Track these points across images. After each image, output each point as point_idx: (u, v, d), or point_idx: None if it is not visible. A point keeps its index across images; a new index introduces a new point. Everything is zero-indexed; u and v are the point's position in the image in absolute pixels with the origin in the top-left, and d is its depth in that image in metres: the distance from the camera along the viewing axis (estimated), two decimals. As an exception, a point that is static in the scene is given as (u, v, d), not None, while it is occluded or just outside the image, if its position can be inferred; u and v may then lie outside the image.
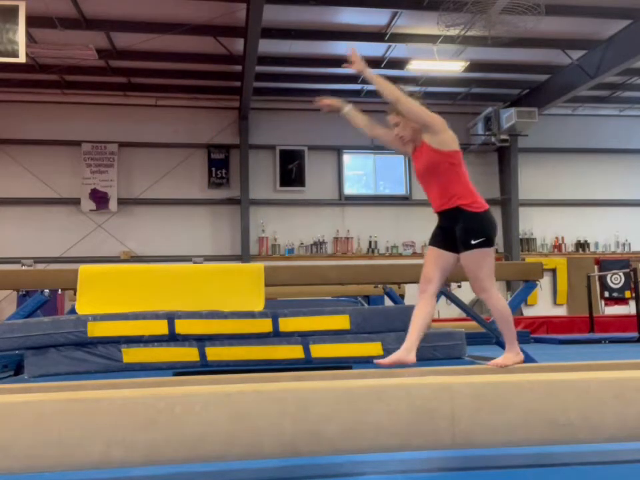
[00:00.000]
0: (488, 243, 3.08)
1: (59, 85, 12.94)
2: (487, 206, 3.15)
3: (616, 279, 15.03)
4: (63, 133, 13.41)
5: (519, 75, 13.15)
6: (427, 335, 4.26)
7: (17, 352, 4.47)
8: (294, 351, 4.18)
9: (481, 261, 3.08)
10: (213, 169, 14.00)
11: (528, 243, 15.02)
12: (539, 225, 15.06)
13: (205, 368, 4.11)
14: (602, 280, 14.91)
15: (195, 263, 12.01)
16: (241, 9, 9.77)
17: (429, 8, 9.85)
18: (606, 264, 14.88)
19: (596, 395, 2.09)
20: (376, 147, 14.24)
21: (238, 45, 11.22)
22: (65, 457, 1.86)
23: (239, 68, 11.96)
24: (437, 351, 4.30)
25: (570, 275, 14.91)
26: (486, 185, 14.95)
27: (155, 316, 4.14)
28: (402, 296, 8.54)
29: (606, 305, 15.08)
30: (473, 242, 3.05)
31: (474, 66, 12.18)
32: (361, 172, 15.01)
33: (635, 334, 10.17)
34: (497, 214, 14.95)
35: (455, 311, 10.71)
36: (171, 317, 4.13)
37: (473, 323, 6.75)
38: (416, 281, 4.33)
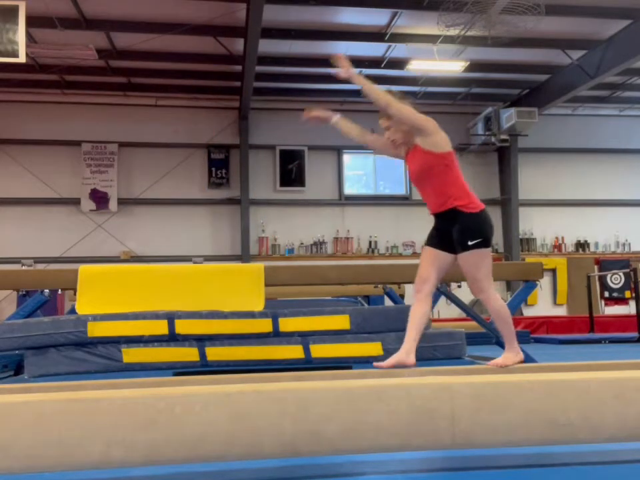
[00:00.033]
0: (485, 243, 3.08)
1: (59, 85, 12.94)
2: (483, 206, 3.14)
3: (616, 279, 15.03)
4: (63, 132, 13.41)
5: (519, 74, 13.16)
6: (427, 334, 4.27)
7: (17, 352, 4.47)
8: (294, 351, 4.18)
9: (479, 261, 3.08)
10: (213, 169, 14.00)
11: (528, 243, 15.02)
12: (538, 225, 15.06)
13: (205, 368, 4.11)
14: (602, 280, 14.91)
15: (194, 262, 12.01)
16: (241, 8, 9.77)
17: (429, 8, 9.84)
18: (606, 264, 14.88)
19: (596, 395, 2.09)
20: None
21: (238, 44, 11.22)
22: (64, 456, 1.86)
23: (239, 68, 11.96)
24: (437, 350, 4.30)
25: (570, 274, 14.92)
26: (486, 185, 14.96)
27: (155, 316, 4.14)
28: (402, 296, 8.54)
29: (606, 305, 15.08)
30: (470, 243, 3.05)
31: (474, 66, 12.18)
32: (361, 172, 15.01)
33: (635, 334, 10.17)
34: (496, 214, 14.96)
35: (455, 311, 10.71)
36: (170, 317, 4.13)
37: (473, 323, 6.75)
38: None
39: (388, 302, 8.14)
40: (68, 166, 13.48)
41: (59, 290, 5.40)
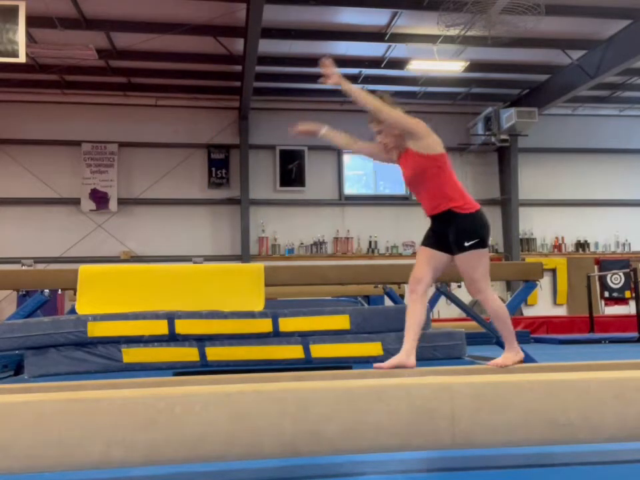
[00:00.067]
0: (482, 244, 3.08)
1: (59, 85, 12.94)
2: (478, 206, 3.14)
3: (616, 279, 15.03)
4: (63, 132, 13.41)
5: (519, 74, 13.16)
6: (427, 334, 4.28)
7: (17, 352, 4.47)
8: (294, 351, 4.18)
9: (476, 262, 3.08)
10: (213, 169, 14.00)
11: (528, 243, 15.02)
12: (538, 225, 15.06)
13: (205, 368, 4.11)
14: (602, 280, 14.91)
15: (194, 262, 12.01)
16: (241, 8, 9.77)
17: (429, 8, 9.84)
18: (606, 264, 14.89)
19: (596, 395, 2.09)
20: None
21: (238, 44, 11.22)
22: (65, 456, 1.86)
23: (239, 68, 11.96)
24: (437, 350, 4.30)
25: (570, 274, 14.91)
26: (486, 184, 14.97)
27: (155, 316, 4.14)
28: (402, 296, 8.53)
29: (606, 305, 15.08)
30: (466, 244, 3.05)
31: (474, 66, 12.18)
32: (360, 172, 15.01)
33: (635, 334, 10.17)
34: (496, 214, 14.96)
35: (455, 311, 10.72)
36: (171, 317, 4.13)
37: (473, 323, 6.75)
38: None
39: (388, 302, 8.14)
40: (68, 166, 13.48)
41: (59, 290, 5.40)
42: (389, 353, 3.89)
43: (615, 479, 2.29)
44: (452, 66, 12.12)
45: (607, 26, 10.97)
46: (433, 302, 7.54)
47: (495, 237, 14.93)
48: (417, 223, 14.25)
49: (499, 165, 15.04)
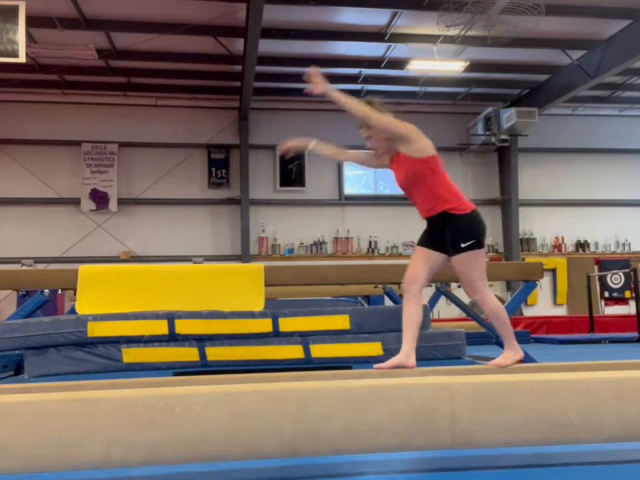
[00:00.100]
0: (478, 244, 3.09)
1: (59, 85, 12.94)
2: (473, 206, 3.14)
3: (616, 279, 15.03)
4: (63, 132, 13.41)
5: (519, 74, 13.16)
6: (427, 334, 4.28)
7: (17, 352, 4.47)
8: (294, 351, 4.18)
9: (472, 263, 3.08)
10: (213, 169, 14.01)
11: (528, 243, 15.02)
12: (538, 225, 15.07)
13: (205, 368, 4.11)
14: (602, 280, 14.91)
15: (194, 262, 12.01)
16: (241, 8, 9.77)
17: (429, 8, 9.85)
18: (606, 264, 14.89)
19: (596, 395, 2.09)
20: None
21: (238, 44, 11.22)
22: (64, 456, 1.86)
23: (239, 68, 11.96)
24: (437, 350, 4.30)
25: (570, 274, 14.92)
26: (486, 184, 14.97)
27: (155, 316, 4.14)
28: (402, 296, 8.52)
29: (606, 305, 15.08)
30: (462, 245, 3.06)
31: (474, 66, 12.18)
32: (360, 172, 15.00)
33: (635, 334, 10.17)
34: (496, 214, 14.97)
35: (455, 311, 10.72)
36: (170, 317, 4.13)
37: (473, 323, 6.75)
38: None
39: (388, 302, 8.14)
40: (68, 166, 13.49)
41: (59, 290, 5.40)
42: (389, 353, 3.89)
43: (615, 479, 2.29)
44: (452, 66, 12.12)
45: (607, 26, 10.97)
46: (433, 302, 7.54)
47: (495, 237, 14.93)
48: (417, 223, 14.19)
49: (499, 164, 15.04)
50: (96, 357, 4.05)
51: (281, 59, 12.00)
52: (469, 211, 3.11)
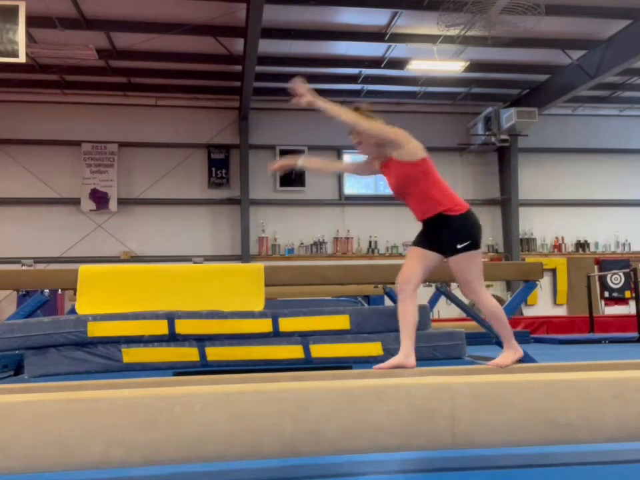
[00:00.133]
0: (474, 245, 3.09)
1: (59, 85, 12.94)
2: (468, 205, 3.14)
3: (616, 279, 15.03)
4: (63, 132, 13.41)
5: (519, 74, 13.16)
6: (427, 334, 4.28)
7: (17, 352, 4.47)
8: (294, 351, 4.18)
9: (469, 264, 3.09)
10: (213, 169, 14.01)
11: (528, 243, 15.02)
12: (539, 225, 15.07)
13: (205, 368, 4.11)
14: (602, 280, 14.91)
15: (194, 262, 12.01)
16: (241, 8, 9.77)
17: (429, 8, 9.85)
18: (606, 264, 14.89)
19: (596, 395, 2.09)
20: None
21: (238, 44, 11.22)
22: (65, 456, 1.86)
23: (239, 68, 11.96)
24: (437, 350, 4.30)
25: (570, 274, 14.92)
26: (486, 184, 14.98)
27: (155, 316, 4.14)
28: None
29: (606, 305, 15.08)
30: (459, 246, 3.06)
31: (474, 66, 12.18)
32: (361, 172, 15.00)
33: (635, 334, 10.17)
34: (496, 214, 14.97)
35: (455, 311, 10.72)
36: (170, 317, 4.13)
37: (473, 323, 6.75)
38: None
39: (388, 302, 8.14)
40: (68, 166, 13.49)
41: (59, 290, 5.40)
42: (389, 353, 3.89)
43: (615, 479, 2.29)
44: (452, 66, 12.12)
45: (607, 26, 10.97)
46: (433, 302, 7.55)
47: (495, 237, 14.94)
48: (417, 223, 14.22)
49: (499, 164, 15.04)
50: (96, 356, 4.05)
51: (281, 58, 12.00)
52: (464, 211, 3.11)
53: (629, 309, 14.09)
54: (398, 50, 11.70)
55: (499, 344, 4.92)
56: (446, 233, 3.08)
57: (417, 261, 3.17)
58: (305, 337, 4.22)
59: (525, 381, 2.12)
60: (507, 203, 14.71)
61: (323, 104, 3.06)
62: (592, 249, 15.25)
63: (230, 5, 9.94)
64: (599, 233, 15.25)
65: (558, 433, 2.06)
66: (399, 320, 3.15)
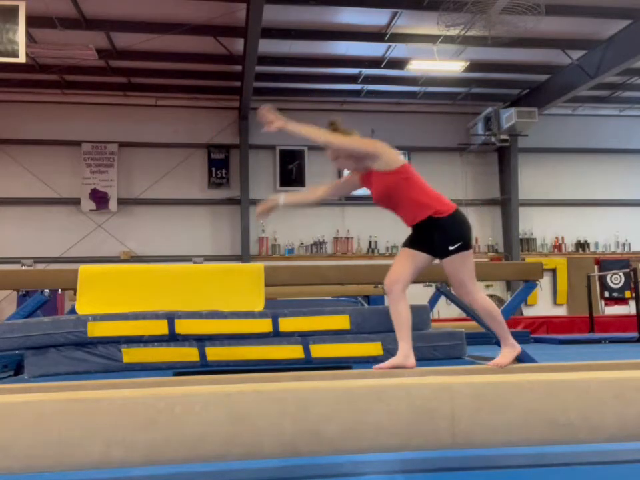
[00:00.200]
0: (465, 246, 3.09)
1: (59, 85, 12.94)
2: (455, 205, 3.14)
3: (616, 279, 15.03)
4: (63, 132, 13.41)
5: (519, 74, 13.16)
6: (427, 334, 4.28)
7: (17, 352, 4.46)
8: (294, 351, 4.18)
9: (461, 265, 3.09)
10: (213, 169, 14.01)
11: (528, 243, 15.02)
12: (539, 225, 15.07)
13: (205, 368, 4.11)
14: (602, 280, 14.91)
15: (195, 262, 12.01)
16: (241, 8, 9.77)
17: (429, 8, 9.85)
18: (606, 264, 14.89)
19: (596, 395, 2.09)
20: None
21: (238, 44, 11.23)
22: (65, 456, 1.86)
23: (239, 68, 11.96)
24: (437, 350, 4.30)
25: (570, 274, 14.92)
26: (486, 184, 14.98)
27: (155, 316, 4.14)
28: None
29: (606, 305, 15.08)
30: (451, 248, 3.06)
31: (474, 66, 12.18)
32: (361, 172, 15.00)
33: (635, 334, 10.17)
34: (496, 214, 14.97)
35: (455, 311, 10.71)
36: (170, 317, 4.13)
37: (473, 323, 6.74)
38: (416, 281, 4.32)
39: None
40: (68, 166, 13.49)
41: (59, 290, 5.40)
42: (389, 352, 3.88)
43: (615, 478, 2.29)
44: (452, 66, 12.12)
45: (607, 26, 10.97)
46: (433, 302, 7.54)
47: (495, 237, 14.94)
48: (417, 223, 14.27)
49: (499, 165, 15.04)
50: (96, 356, 4.05)
51: (281, 59, 12.00)
52: (453, 211, 3.11)
53: (629, 309, 14.09)
54: (398, 50, 11.70)
55: (499, 344, 4.92)
56: (437, 236, 3.08)
57: (406, 262, 3.17)
58: (304, 337, 4.22)
59: (525, 380, 2.12)
60: (506, 202, 14.71)
61: (294, 127, 3.11)
62: (592, 248, 15.25)
63: (230, 5, 9.94)
64: (599, 232, 15.25)
65: (558, 432, 2.06)
66: (393, 321, 3.15)
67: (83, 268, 4.58)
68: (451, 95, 14.12)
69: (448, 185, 14.21)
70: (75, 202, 13.43)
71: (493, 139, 13.75)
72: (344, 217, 14.39)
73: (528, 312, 14.19)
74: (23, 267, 12.20)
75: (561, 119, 15.01)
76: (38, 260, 12.83)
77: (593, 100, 14.52)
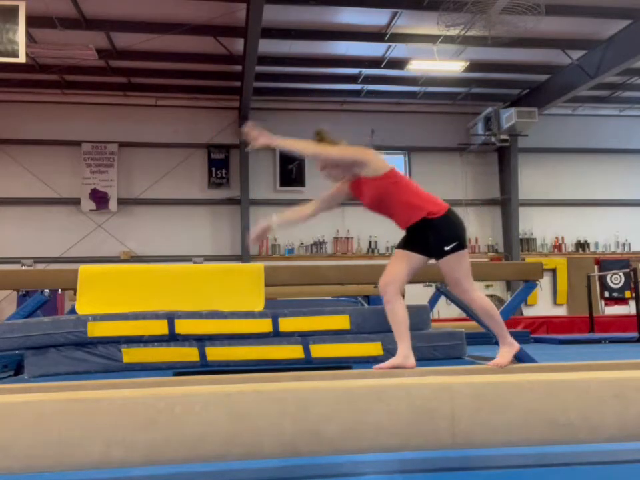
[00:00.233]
0: (461, 246, 3.09)
1: (59, 85, 12.94)
2: (447, 205, 3.13)
3: (616, 279, 15.03)
4: (63, 133, 13.42)
5: (519, 74, 13.16)
6: (427, 334, 4.28)
7: (17, 352, 4.47)
8: (294, 351, 4.18)
9: (457, 264, 3.09)
10: (213, 169, 14.01)
11: (528, 243, 15.02)
12: (539, 225, 15.07)
13: (205, 368, 4.11)
14: (602, 280, 14.91)
15: (195, 262, 12.01)
16: (241, 8, 9.77)
17: (429, 8, 9.85)
18: (606, 264, 14.89)
19: (596, 395, 2.09)
20: (376, 146, 14.24)
21: (238, 44, 11.23)
22: (65, 456, 1.86)
23: (239, 68, 11.96)
24: (437, 350, 4.30)
25: (570, 274, 14.92)
26: (486, 184, 14.98)
27: (155, 316, 4.14)
28: (402, 296, 8.52)
29: (606, 305, 15.08)
30: (446, 248, 3.06)
31: (474, 66, 12.18)
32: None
33: (635, 334, 10.17)
34: (496, 214, 14.97)
35: (455, 311, 10.71)
36: (170, 317, 4.13)
37: (473, 323, 6.74)
38: (415, 281, 4.32)
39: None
40: (68, 166, 13.49)
41: (59, 290, 5.40)
42: (389, 352, 3.88)
43: (615, 479, 2.29)
44: (452, 66, 12.12)
45: (607, 26, 10.97)
46: (433, 302, 7.54)
47: (495, 237, 14.94)
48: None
49: (499, 164, 15.04)
50: (96, 356, 4.05)
51: (281, 59, 12.00)
52: (445, 212, 3.10)
53: (629, 309, 14.09)
54: (398, 50, 11.70)
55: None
56: (432, 237, 3.08)
57: (401, 263, 3.17)
58: (304, 337, 4.22)
59: (525, 380, 2.12)
60: (506, 202, 14.71)
61: (279, 141, 3.10)
62: (592, 249, 15.25)
63: (230, 5, 9.94)
64: (599, 232, 15.25)
65: (558, 432, 2.06)
66: (390, 322, 3.15)
67: (82, 268, 4.58)
68: (450, 95, 14.12)
69: (448, 185, 14.23)
70: (75, 202, 13.43)
71: (493, 139, 13.75)
72: (344, 217, 14.37)
73: (528, 312, 14.19)
74: (23, 267, 12.21)
75: (560, 119, 15.01)
76: (38, 260, 12.84)
77: (593, 100, 14.52)
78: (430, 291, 8.21)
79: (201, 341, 4.14)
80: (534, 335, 11.30)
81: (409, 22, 10.78)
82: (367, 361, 3.96)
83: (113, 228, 13.48)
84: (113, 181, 13.52)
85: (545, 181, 15.04)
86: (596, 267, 14.93)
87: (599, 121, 15.34)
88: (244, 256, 13.55)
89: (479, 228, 14.76)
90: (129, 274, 4.63)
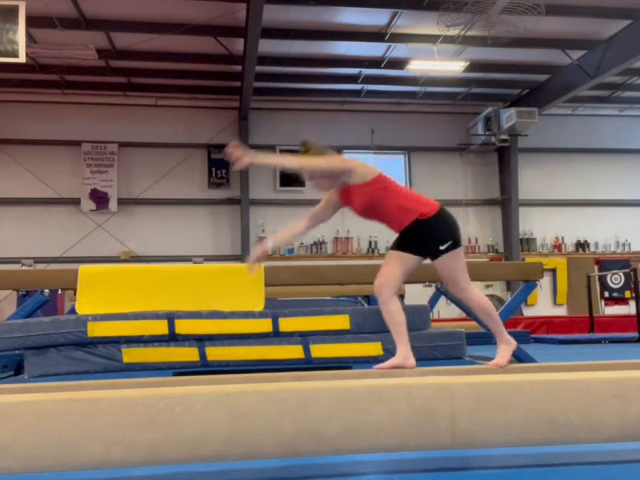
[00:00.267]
0: (455, 244, 3.09)
1: (59, 85, 12.94)
2: (438, 204, 3.13)
3: (616, 279, 15.03)
4: (63, 132, 13.41)
5: (519, 74, 13.16)
6: (427, 334, 4.28)
7: (17, 352, 4.47)
8: (294, 351, 4.18)
9: (453, 263, 3.09)
10: (213, 169, 14.00)
11: (528, 243, 15.02)
12: (538, 225, 15.06)
13: (205, 368, 4.11)
14: (602, 280, 14.91)
15: (194, 262, 12.01)
16: (241, 8, 9.77)
17: (429, 8, 9.85)
18: (606, 264, 14.88)
19: (596, 395, 2.09)
20: (376, 146, 14.26)
21: (238, 44, 11.22)
22: (65, 456, 1.86)
23: (239, 68, 11.96)
24: (437, 350, 4.30)
25: (570, 274, 14.91)
26: (486, 184, 14.97)
27: (155, 316, 4.14)
28: (402, 296, 8.54)
29: (606, 305, 15.08)
30: (441, 248, 3.06)
31: (474, 66, 12.18)
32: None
33: (635, 334, 10.17)
34: (496, 214, 14.97)
35: (455, 311, 10.72)
36: (170, 317, 4.13)
37: (473, 323, 6.75)
38: (415, 281, 4.33)
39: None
40: (68, 166, 13.49)
41: (59, 290, 5.41)
42: (389, 352, 3.88)
43: (615, 479, 2.29)
44: (452, 66, 12.12)
45: (607, 26, 10.97)
46: (433, 302, 7.54)
47: (495, 237, 14.94)
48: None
49: (499, 164, 15.04)
50: (96, 356, 4.05)
51: (281, 59, 12.00)
52: (437, 211, 3.10)
53: (629, 309, 14.08)
54: (398, 50, 11.70)
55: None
56: (426, 237, 3.08)
57: (395, 265, 3.17)
58: (304, 337, 4.22)
59: (525, 380, 2.12)
60: (506, 202, 14.71)
61: (263, 159, 3.15)
62: (592, 249, 15.25)
63: (230, 5, 9.94)
64: (599, 232, 15.25)
65: (558, 432, 2.06)
66: (387, 323, 3.15)
67: (82, 268, 4.58)
68: (450, 95, 14.11)
69: (448, 185, 14.24)
70: (75, 202, 13.43)
71: (493, 139, 13.75)
72: (344, 217, 14.28)
73: (528, 312, 14.19)
74: (23, 267, 12.21)
75: (560, 119, 15.00)
76: (38, 260, 12.83)
77: (593, 100, 14.52)
78: (430, 291, 8.22)
79: (200, 341, 4.14)
80: (534, 335, 11.30)
81: (409, 22, 10.78)
82: (367, 361, 3.96)
83: (112, 228, 13.48)
84: (113, 180, 13.52)
85: (544, 180, 15.04)
86: (596, 267, 14.92)
87: (598, 121, 15.33)
88: (244, 256, 13.53)
89: (479, 228, 14.76)
90: (128, 274, 4.63)
